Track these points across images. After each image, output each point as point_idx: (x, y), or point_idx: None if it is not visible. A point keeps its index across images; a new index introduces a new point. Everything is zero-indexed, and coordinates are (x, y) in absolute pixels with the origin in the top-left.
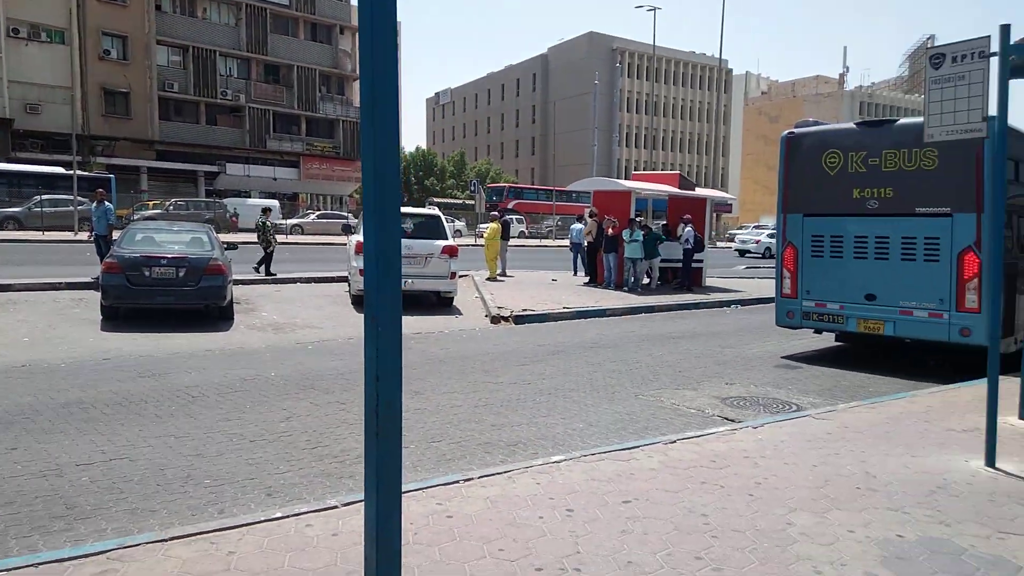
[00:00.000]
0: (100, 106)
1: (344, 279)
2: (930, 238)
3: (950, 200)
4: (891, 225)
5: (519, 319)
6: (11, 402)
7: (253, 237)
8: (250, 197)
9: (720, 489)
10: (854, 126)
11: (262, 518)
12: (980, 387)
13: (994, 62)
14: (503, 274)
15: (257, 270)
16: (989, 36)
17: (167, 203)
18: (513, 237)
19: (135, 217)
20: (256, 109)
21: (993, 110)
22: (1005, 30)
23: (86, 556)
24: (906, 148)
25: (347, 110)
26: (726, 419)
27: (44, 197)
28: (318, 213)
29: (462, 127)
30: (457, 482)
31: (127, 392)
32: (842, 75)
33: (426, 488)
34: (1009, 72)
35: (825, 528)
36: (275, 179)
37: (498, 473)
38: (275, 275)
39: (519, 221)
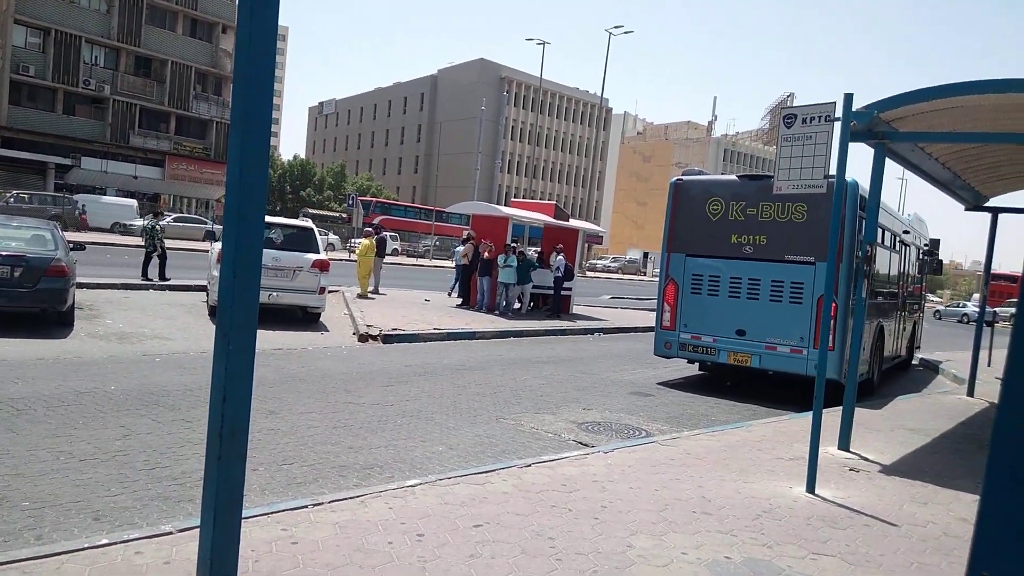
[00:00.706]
0: None
1: (202, 288)
2: (796, 283)
3: (814, 250)
4: (763, 269)
5: (388, 338)
6: None
7: (103, 237)
8: (105, 194)
9: (568, 512)
10: (736, 178)
11: (85, 545)
12: (808, 419)
13: (837, 126)
14: (376, 292)
15: (146, 275)
16: (834, 102)
17: (7, 195)
18: (387, 254)
19: None
20: (121, 102)
21: (834, 169)
22: (848, 98)
23: None
24: (780, 202)
25: (222, 111)
26: (581, 443)
27: None
28: (175, 216)
29: (345, 139)
30: (306, 507)
31: None
32: (711, 123)
33: (271, 513)
34: (849, 136)
35: (662, 550)
36: (136, 177)
37: (350, 497)
38: (169, 280)
39: (393, 239)
